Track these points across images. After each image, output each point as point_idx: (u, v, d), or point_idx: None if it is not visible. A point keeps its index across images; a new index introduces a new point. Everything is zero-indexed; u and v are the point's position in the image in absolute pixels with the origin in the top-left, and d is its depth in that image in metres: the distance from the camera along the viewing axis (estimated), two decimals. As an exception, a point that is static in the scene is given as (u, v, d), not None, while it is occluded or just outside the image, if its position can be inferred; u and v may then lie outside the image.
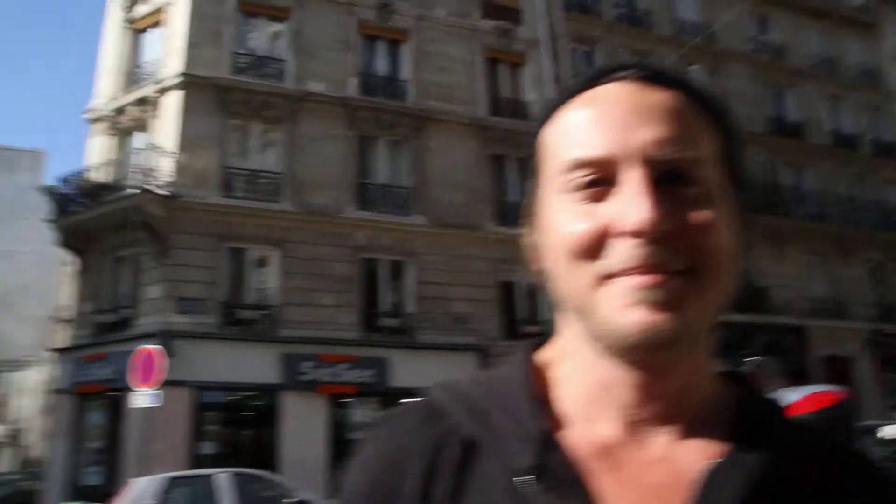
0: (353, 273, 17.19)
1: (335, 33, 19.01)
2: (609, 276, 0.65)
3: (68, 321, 19.54)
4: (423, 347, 16.91)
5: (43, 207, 21.25)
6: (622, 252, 0.64)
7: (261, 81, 17.90)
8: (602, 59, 21.53)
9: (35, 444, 42.66)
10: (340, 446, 15.77)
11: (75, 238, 17.45)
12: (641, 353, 0.65)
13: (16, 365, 43.52)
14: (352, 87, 18.72)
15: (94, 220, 16.61)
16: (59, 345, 18.76)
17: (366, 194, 18.08)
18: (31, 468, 37.54)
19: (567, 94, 0.73)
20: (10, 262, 45.86)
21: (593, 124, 0.68)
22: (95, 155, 18.29)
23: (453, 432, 0.72)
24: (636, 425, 0.70)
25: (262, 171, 17.36)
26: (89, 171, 17.52)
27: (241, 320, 16.20)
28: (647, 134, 0.66)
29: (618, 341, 0.65)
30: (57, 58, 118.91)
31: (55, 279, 39.14)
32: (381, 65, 19.78)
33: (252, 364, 15.55)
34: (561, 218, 0.69)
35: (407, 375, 16.27)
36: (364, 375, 16.29)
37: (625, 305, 0.64)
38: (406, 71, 19.75)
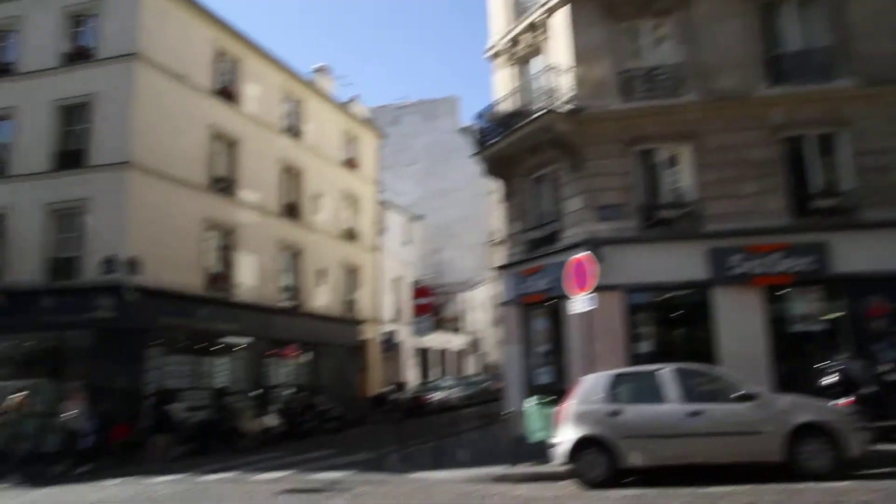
0: (775, 155, 15.59)
1: None
2: None
3: (502, 242, 21.66)
4: (869, 226, 14.80)
5: (464, 146, 23.78)
6: None
7: (643, -25, 17.14)
8: None
9: (490, 350, 49.35)
10: (782, 340, 14.92)
11: (497, 167, 19.08)
12: None
13: (466, 285, 50.56)
14: (741, -48, 16.74)
15: (511, 147, 17.90)
16: (499, 264, 20.89)
17: (777, 67, 16.07)
18: (491, 371, 43.70)
19: None
20: (447, 199, 52.78)
21: None
22: (501, 88, 19.60)
23: None
24: None
25: (658, 68, 16.67)
26: (499, 103, 18.83)
27: (660, 221, 16.05)
28: None
29: None
30: (453, 11, 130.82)
31: (486, 207, 44.01)
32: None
33: (677, 263, 15.41)
34: None
35: (852, 259, 14.56)
36: (800, 263, 14.90)
37: None
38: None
